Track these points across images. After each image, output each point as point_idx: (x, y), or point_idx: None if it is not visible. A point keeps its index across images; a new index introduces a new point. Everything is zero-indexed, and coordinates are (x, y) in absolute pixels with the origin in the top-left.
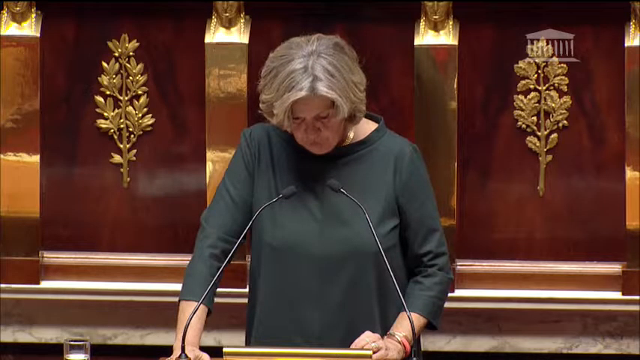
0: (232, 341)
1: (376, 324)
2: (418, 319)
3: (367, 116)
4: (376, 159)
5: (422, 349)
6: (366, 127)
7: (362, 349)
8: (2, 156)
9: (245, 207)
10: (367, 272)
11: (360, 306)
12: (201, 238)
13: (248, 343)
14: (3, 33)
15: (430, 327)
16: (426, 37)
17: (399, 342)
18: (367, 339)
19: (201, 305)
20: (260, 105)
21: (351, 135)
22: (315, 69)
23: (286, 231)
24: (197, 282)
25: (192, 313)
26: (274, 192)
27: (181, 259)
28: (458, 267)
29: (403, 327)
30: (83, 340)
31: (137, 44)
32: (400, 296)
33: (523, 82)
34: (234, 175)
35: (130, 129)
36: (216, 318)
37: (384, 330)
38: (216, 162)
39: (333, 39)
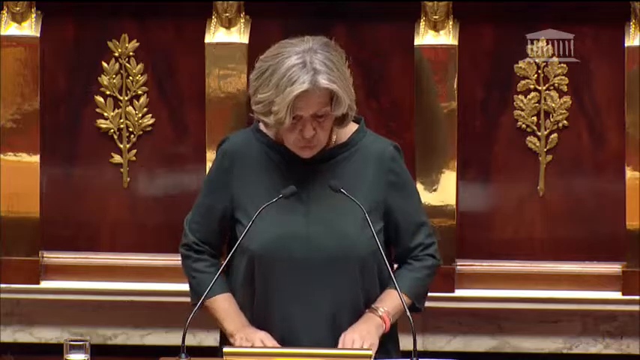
0: None
1: None
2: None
3: None
4: (360, 161)
5: (421, 349)
6: (347, 129)
7: (362, 348)
8: (2, 156)
9: (219, 215)
10: (355, 275)
11: (350, 308)
12: (184, 244)
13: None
14: (3, 33)
15: (414, 309)
16: (426, 37)
17: (380, 317)
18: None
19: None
20: (254, 107)
21: (334, 138)
22: (314, 63)
23: (272, 236)
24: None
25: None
26: (260, 197)
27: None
28: (458, 267)
29: (386, 303)
30: (83, 340)
31: (137, 44)
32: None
33: (523, 82)
34: (209, 184)
35: (130, 129)
36: None
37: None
38: None
39: (323, 38)
